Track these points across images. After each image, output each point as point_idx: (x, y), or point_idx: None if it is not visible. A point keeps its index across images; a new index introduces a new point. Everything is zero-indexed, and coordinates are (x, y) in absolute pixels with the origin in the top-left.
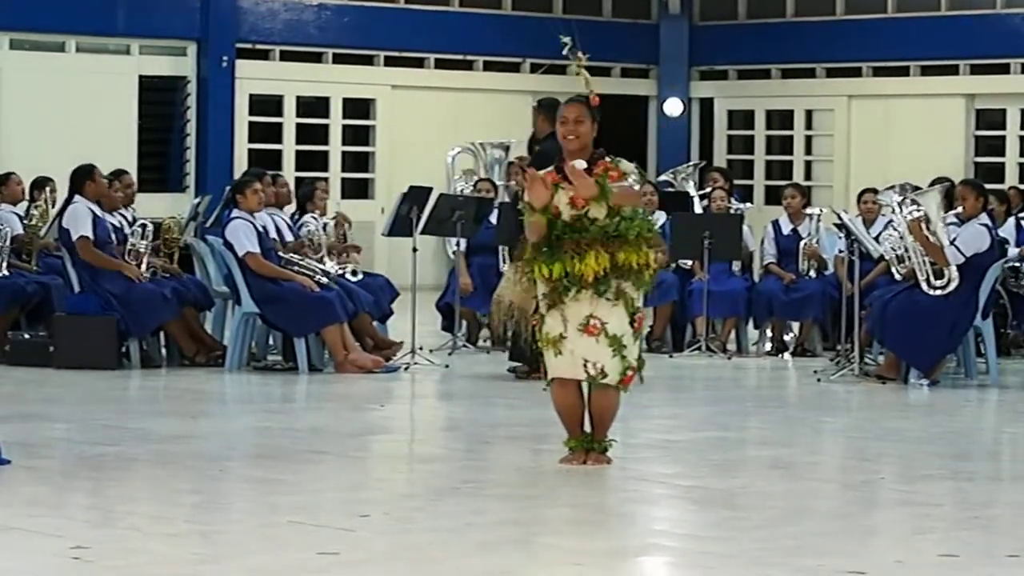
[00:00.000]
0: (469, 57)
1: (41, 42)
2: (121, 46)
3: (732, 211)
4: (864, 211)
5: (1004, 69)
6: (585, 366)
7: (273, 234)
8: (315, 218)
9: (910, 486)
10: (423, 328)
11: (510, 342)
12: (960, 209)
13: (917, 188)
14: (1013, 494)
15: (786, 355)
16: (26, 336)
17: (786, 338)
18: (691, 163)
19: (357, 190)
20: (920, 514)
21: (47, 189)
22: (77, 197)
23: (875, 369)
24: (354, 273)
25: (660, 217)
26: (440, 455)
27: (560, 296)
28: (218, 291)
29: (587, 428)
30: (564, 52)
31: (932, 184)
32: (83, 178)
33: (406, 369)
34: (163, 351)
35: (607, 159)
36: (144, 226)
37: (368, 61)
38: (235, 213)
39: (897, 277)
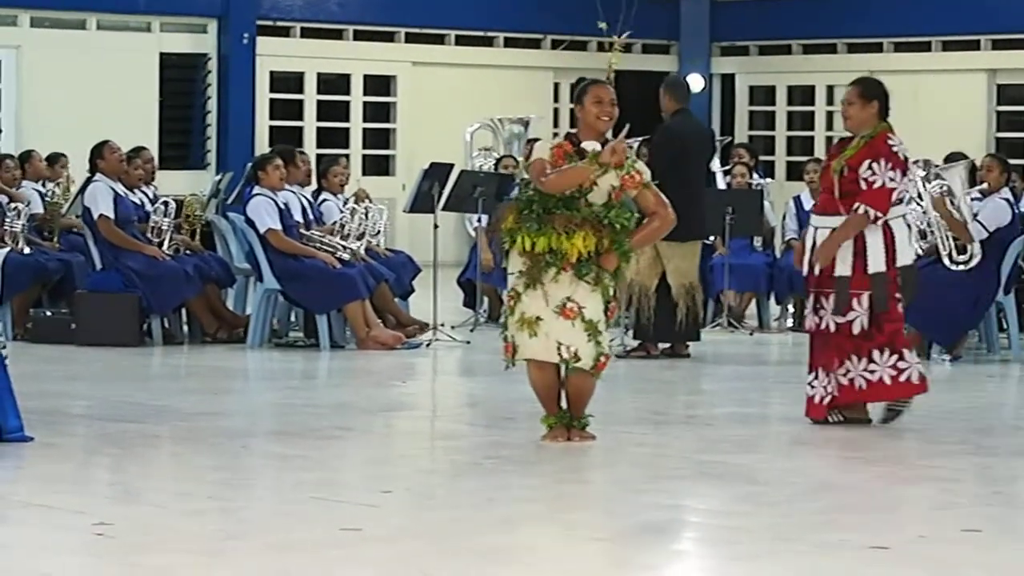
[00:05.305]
0: (490, 33)
1: (62, 19)
2: (142, 23)
3: (754, 187)
4: None
5: None
6: (559, 349)
7: (296, 212)
8: (335, 199)
9: (932, 461)
10: (445, 304)
11: (632, 319)
12: (985, 185)
13: (937, 165)
14: None
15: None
16: (48, 313)
17: None
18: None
19: (378, 167)
20: (943, 489)
21: (58, 164)
22: (98, 175)
23: None
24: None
25: None
26: (462, 431)
27: (539, 275)
28: (240, 268)
29: (563, 405)
30: (604, 29)
31: (947, 160)
32: (95, 155)
33: (428, 345)
34: (185, 328)
35: (629, 157)
36: (166, 203)
37: (389, 38)
38: (256, 190)
39: (919, 252)
